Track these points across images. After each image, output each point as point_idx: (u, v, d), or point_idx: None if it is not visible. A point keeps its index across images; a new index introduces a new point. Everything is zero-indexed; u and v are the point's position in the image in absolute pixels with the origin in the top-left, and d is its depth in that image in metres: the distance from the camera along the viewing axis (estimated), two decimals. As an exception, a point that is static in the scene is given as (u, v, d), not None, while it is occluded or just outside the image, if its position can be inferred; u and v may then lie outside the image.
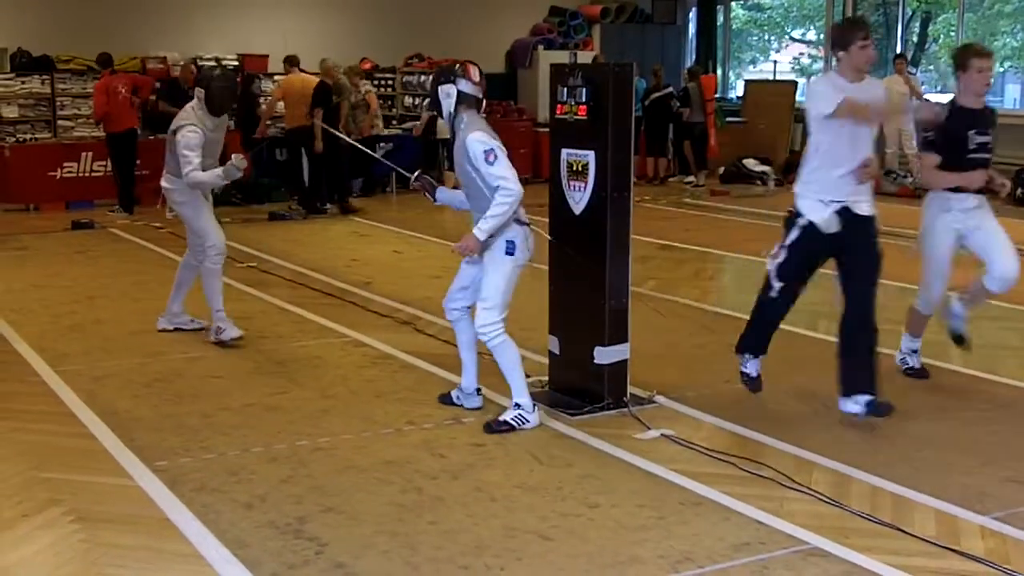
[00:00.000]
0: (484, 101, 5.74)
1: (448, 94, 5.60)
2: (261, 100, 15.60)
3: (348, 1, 18.53)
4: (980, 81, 6.01)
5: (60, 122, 15.91)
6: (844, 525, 4.43)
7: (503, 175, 5.40)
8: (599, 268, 5.78)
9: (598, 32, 20.11)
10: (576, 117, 5.82)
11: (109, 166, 14.18)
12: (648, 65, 17.63)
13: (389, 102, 18.01)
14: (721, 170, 17.41)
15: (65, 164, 14.57)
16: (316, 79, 14.26)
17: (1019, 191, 13.84)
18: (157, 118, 14.24)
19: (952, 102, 6.17)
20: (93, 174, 14.66)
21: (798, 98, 18.94)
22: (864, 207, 5.57)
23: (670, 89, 17.33)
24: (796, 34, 25.99)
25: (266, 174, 15.03)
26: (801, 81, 22.35)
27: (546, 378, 6.26)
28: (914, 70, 18.39)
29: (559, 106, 5.93)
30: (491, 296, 5.56)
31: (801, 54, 25.55)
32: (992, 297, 6.44)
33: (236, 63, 16.81)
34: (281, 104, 14.19)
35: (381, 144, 15.23)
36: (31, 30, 16.12)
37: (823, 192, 5.55)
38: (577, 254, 5.90)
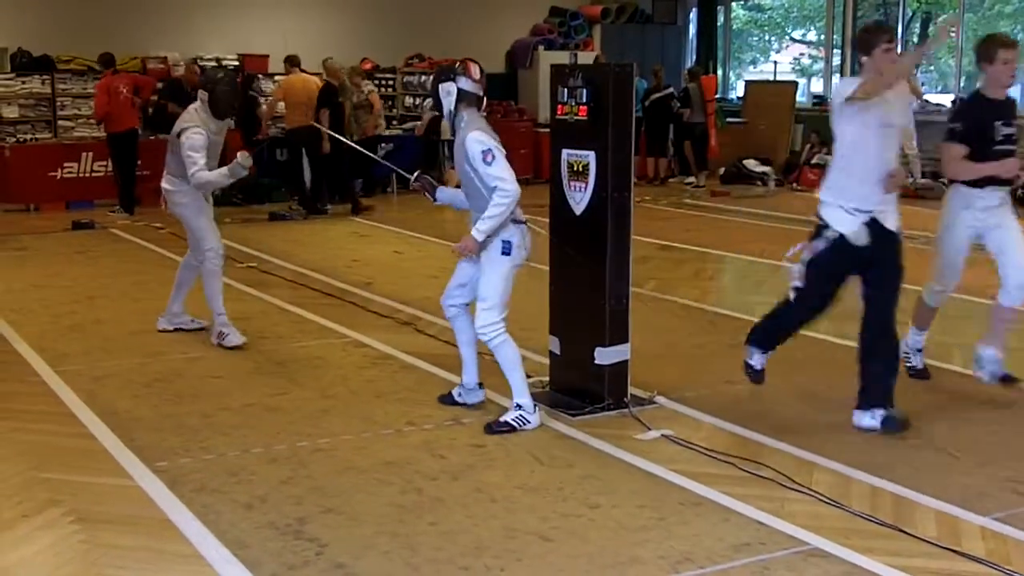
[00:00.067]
0: (485, 99, 5.74)
1: (448, 92, 5.60)
2: (261, 100, 15.61)
3: (348, 1, 18.53)
4: (1006, 72, 5.89)
5: (60, 122, 15.92)
6: (844, 526, 4.43)
7: (500, 175, 5.41)
8: (599, 268, 5.78)
9: (598, 32, 20.11)
10: (576, 117, 5.81)
11: (110, 166, 14.20)
12: (648, 65, 17.64)
13: (390, 102, 17.99)
14: (721, 171, 17.41)
15: (65, 164, 14.58)
16: (316, 79, 14.30)
17: (1019, 191, 13.81)
18: (163, 119, 14.24)
19: (976, 93, 6.06)
20: (93, 174, 14.68)
21: (798, 98, 18.98)
22: (891, 220, 5.46)
23: (670, 89, 17.34)
24: (797, 35, 25.96)
25: (266, 174, 15.04)
26: (801, 82, 22.37)
27: (547, 378, 6.26)
28: (915, 70, 18.37)
29: (559, 106, 5.93)
30: (490, 296, 5.57)
31: (801, 55, 25.52)
32: (1014, 318, 6.22)
33: (236, 63, 16.82)
34: (282, 104, 14.20)
35: (382, 144, 15.24)
36: (31, 30, 16.12)
37: (849, 200, 5.42)
38: (577, 254, 5.90)
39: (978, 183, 5.95)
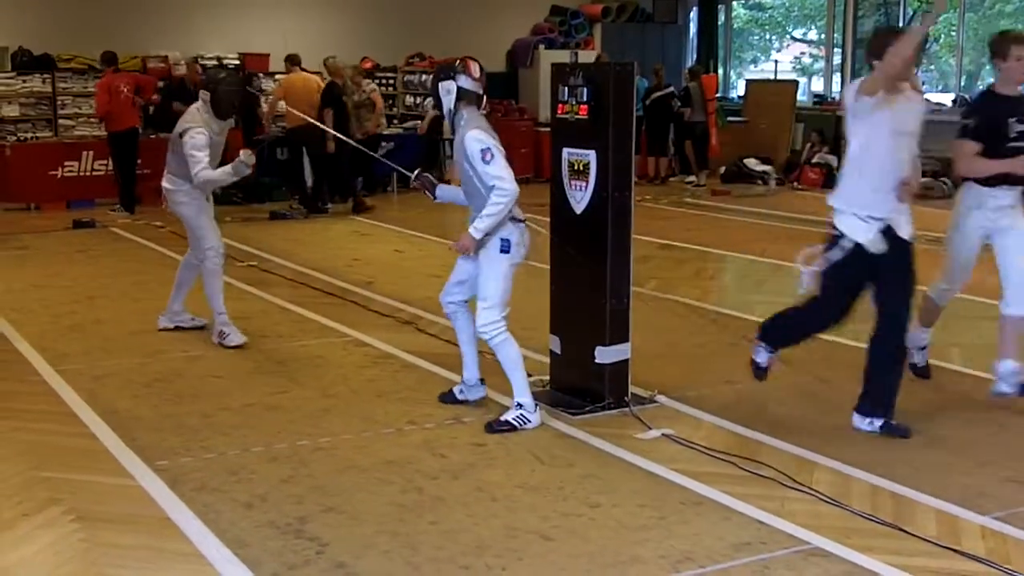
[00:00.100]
0: (485, 97, 5.75)
1: (448, 90, 5.62)
2: (261, 99, 15.61)
3: (349, 0, 18.54)
4: (1020, 69, 5.81)
5: (61, 121, 15.92)
6: (845, 525, 4.43)
7: (499, 174, 5.42)
8: (600, 267, 5.78)
9: (599, 31, 20.11)
10: (577, 117, 5.81)
11: (110, 165, 14.20)
12: (649, 64, 17.64)
13: (390, 101, 18.00)
14: (722, 170, 17.41)
15: (66, 163, 14.58)
16: (317, 78, 14.31)
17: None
18: (168, 118, 14.24)
19: (989, 90, 6.00)
20: (94, 173, 14.67)
21: (799, 98, 18.98)
22: (905, 228, 5.39)
23: (671, 89, 17.33)
24: (797, 34, 25.98)
25: (267, 173, 15.03)
26: (802, 81, 22.38)
27: (547, 377, 6.26)
28: (915, 69, 18.37)
29: (560, 105, 5.93)
30: (490, 295, 5.57)
31: (802, 53, 25.54)
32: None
33: (237, 62, 16.82)
34: (282, 103, 14.19)
35: (383, 143, 15.24)
36: (32, 29, 16.12)
37: (863, 208, 5.34)
38: (578, 253, 5.90)
39: (991, 181, 5.85)
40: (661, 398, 6.08)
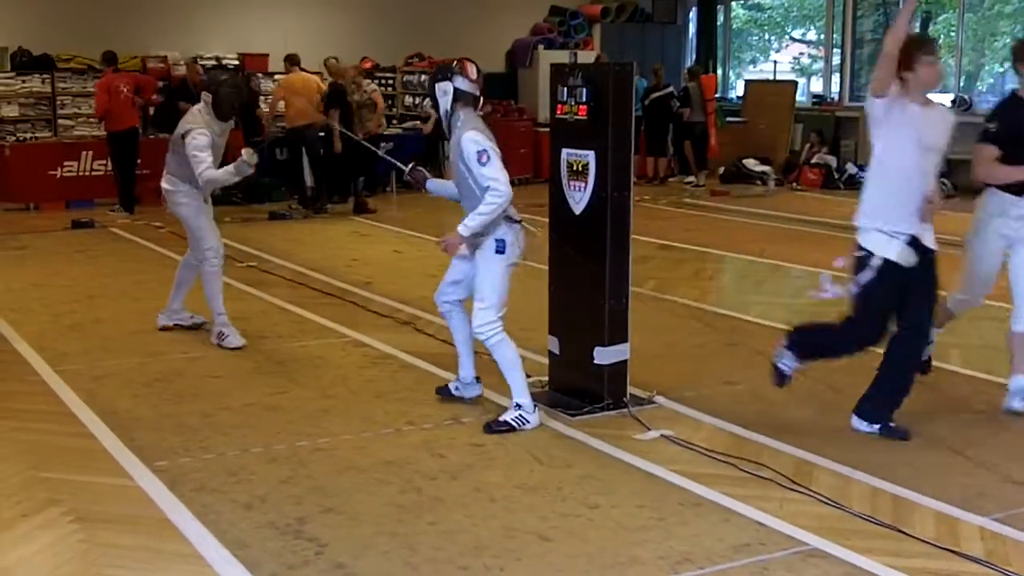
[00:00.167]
0: (481, 99, 5.75)
1: (445, 92, 5.63)
2: (261, 99, 15.61)
3: (348, 0, 18.54)
4: None
5: (60, 121, 15.91)
6: (844, 526, 4.43)
7: (494, 176, 5.44)
8: (599, 268, 5.78)
9: (598, 32, 20.12)
10: (576, 117, 5.81)
11: (109, 165, 14.19)
12: (648, 65, 17.64)
13: (390, 101, 18.00)
14: (721, 170, 17.42)
15: (65, 163, 14.58)
16: (317, 78, 14.32)
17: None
18: (174, 118, 14.23)
19: (1013, 95, 5.90)
20: (93, 173, 14.67)
21: (798, 98, 18.98)
22: (930, 239, 5.32)
23: (670, 89, 17.34)
24: (796, 34, 25.95)
25: (266, 174, 15.03)
26: (801, 81, 22.36)
27: (546, 378, 6.26)
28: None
29: (559, 106, 5.93)
30: (486, 296, 5.58)
31: (801, 54, 25.51)
32: None
33: (236, 62, 16.83)
34: (282, 103, 14.20)
35: (383, 143, 15.24)
36: (31, 29, 16.12)
37: (887, 222, 5.26)
38: (577, 254, 5.90)
39: (1014, 189, 5.72)
40: (660, 399, 6.08)
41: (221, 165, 7.27)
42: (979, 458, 5.22)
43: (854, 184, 16.20)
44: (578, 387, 5.97)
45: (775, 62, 25.46)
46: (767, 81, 22.61)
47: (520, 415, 5.60)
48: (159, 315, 7.78)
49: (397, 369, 6.79)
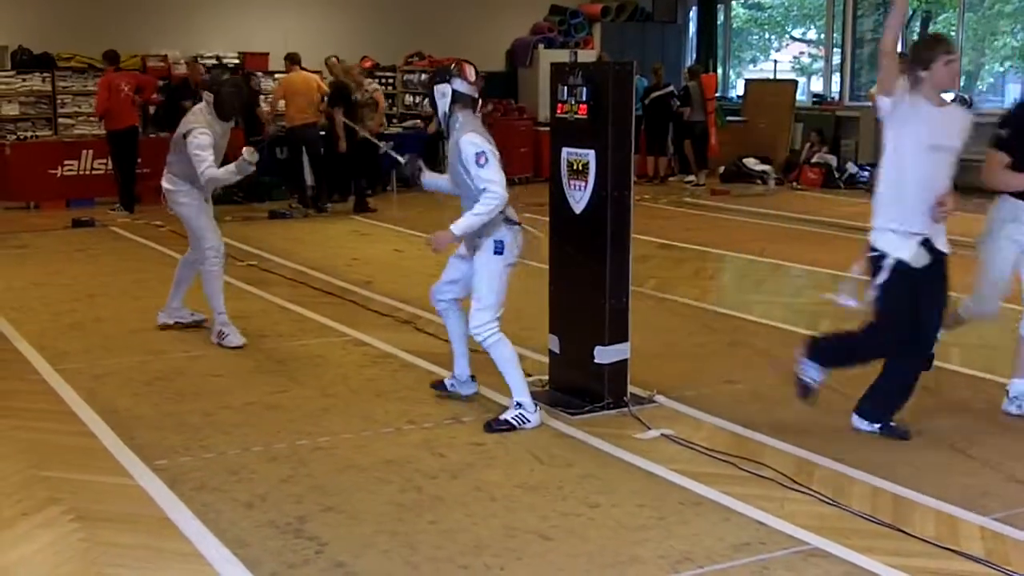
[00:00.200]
0: (479, 101, 5.77)
1: (444, 94, 5.65)
2: (261, 98, 15.61)
3: (349, -1, 18.58)
4: None
5: (61, 120, 15.94)
6: (844, 526, 4.43)
7: (491, 179, 5.45)
8: (599, 267, 5.78)
9: (598, 31, 20.12)
10: (576, 116, 5.81)
11: (110, 164, 14.19)
12: (648, 64, 17.63)
13: (390, 100, 18.02)
14: (721, 169, 17.41)
15: (66, 162, 14.57)
16: (317, 77, 14.32)
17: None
18: (179, 118, 14.23)
19: None
20: (94, 172, 14.67)
21: (798, 97, 18.98)
22: (942, 241, 5.28)
23: (670, 88, 17.33)
24: (797, 33, 25.99)
25: (266, 172, 15.04)
26: (801, 80, 22.37)
27: (546, 377, 6.26)
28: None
29: (559, 105, 5.93)
30: (484, 296, 5.60)
31: (801, 53, 25.55)
32: None
33: (237, 61, 16.84)
34: (282, 102, 14.21)
35: (383, 142, 15.24)
36: (32, 28, 16.13)
37: (901, 223, 5.20)
38: (577, 253, 5.90)
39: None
40: (660, 398, 6.08)
41: (222, 165, 7.27)
42: (979, 458, 5.22)
43: (854, 183, 16.24)
44: (578, 386, 5.97)
45: (775, 61, 25.50)
46: (767, 80, 22.63)
47: (520, 414, 5.60)
48: (159, 313, 7.79)
49: (397, 368, 6.79)
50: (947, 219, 5.25)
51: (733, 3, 22.28)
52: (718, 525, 4.44)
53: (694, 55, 20.80)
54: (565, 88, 5.88)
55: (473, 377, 6.06)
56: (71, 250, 11.23)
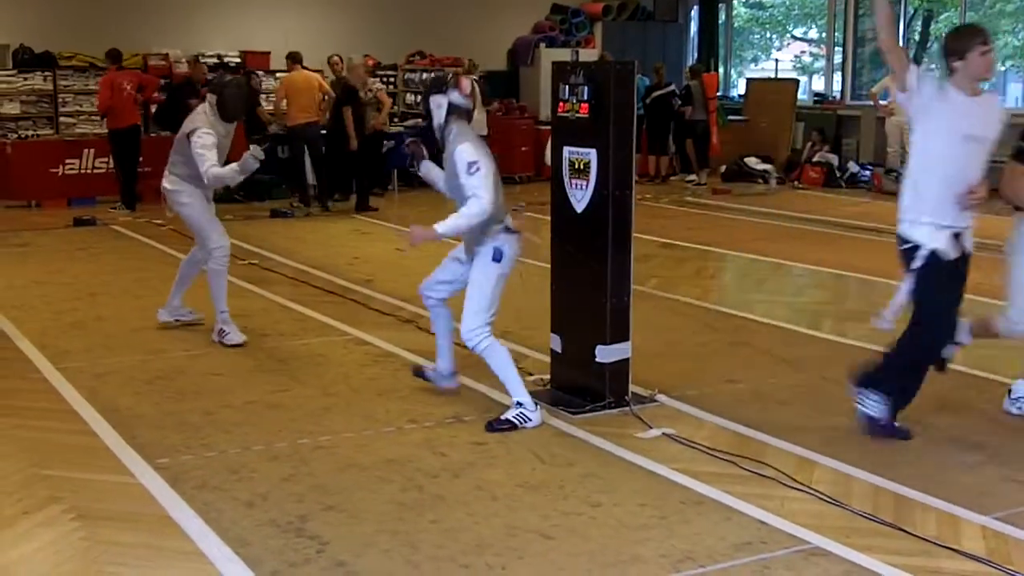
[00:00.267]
0: (473, 112, 5.87)
1: (439, 105, 5.71)
2: (262, 97, 15.61)
3: (350, -2, 18.58)
4: None
5: (62, 119, 15.94)
6: (845, 525, 4.42)
7: (478, 186, 5.49)
8: (601, 266, 5.78)
9: (600, 30, 20.10)
10: (578, 115, 5.81)
11: (111, 163, 14.20)
12: (650, 63, 17.63)
13: (390, 99, 18.00)
14: (723, 168, 17.40)
15: (67, 161, 14.57)
16: (318, 76, 14.33)
17: None
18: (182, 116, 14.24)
19: None
20: (95, 171, 14.66)
21: (800, 96, 18.97)
22: (969, 241, 5.21)
23: (672, 87, 17.32)
24: (798, 32, 25.99)
25: (267, 171, 15.03)
26: (803, 79, 22.36)
27: (548, 376, 6.26)
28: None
29: (561, 104, 5.93)
30: (476, 301, 5.64)
31: (803, 52, 25.56)
32: None
33: (238, 60, 16.84)
34: (284, 101, 14.21)
35: (385, 141, 15.26)
36: (33, 27, 16.13)
37: (932, 215, 5.10)
38: (579, 252, 5.90)
39: None
40: (662, 397, 6.08)
41: (224, 165, 7.27)
42: (981, 457, 5.22)
43: (855, 183, 16.24)
44: (580, 385, 5.97)
45: (776, 60, 25.50)
46: (769, 79, 22.62)
47: (521, 412, 5.60)
48: (159, 310, 7.78)
49: (399, 367, 6.79)
50: (977, 207, 5.17)
51: (734, 2, 22.28)
52: (719, 524, 4.44)
53: (695, 54, 20.79)
54: (567, 87, 5.88)
55: (455, 373, 6.09)
56: (72, 249, 11.23)
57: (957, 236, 5.17)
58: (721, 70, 20.67)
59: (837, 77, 19.32)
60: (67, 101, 15.96)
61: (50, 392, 6.31)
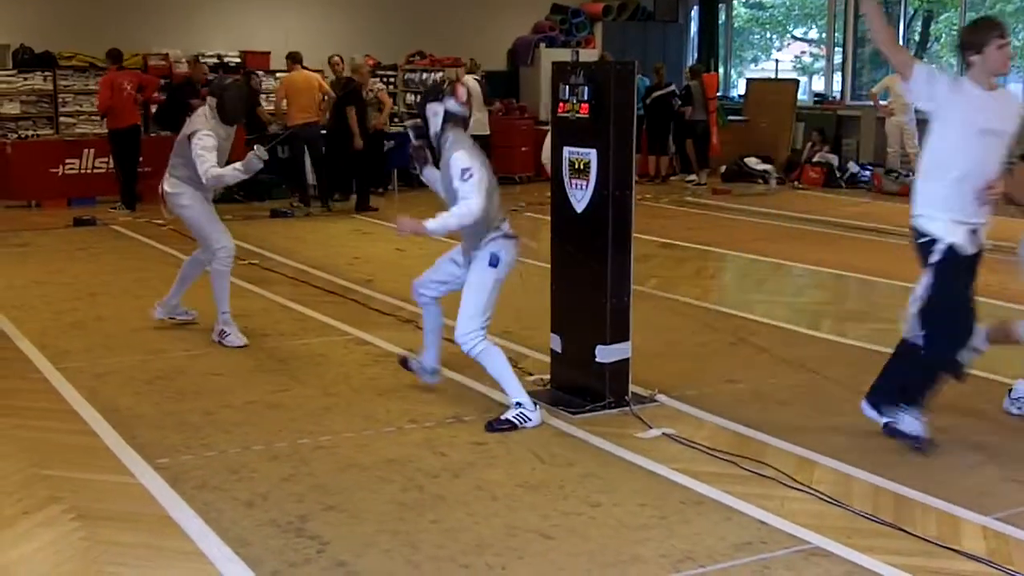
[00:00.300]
0: (469, 120, 5.89)
1: (436, 112, 5.75)
2: (262, 97, 15.61)
3: (350, -2, 18.58)
4: None
5: (62, 119, 15.94)
6: (846, 525, 4.42)
7: (470, 190, 5.53)
8: (600, 266, 5.78)
9: (600, 30, 20.11)
10: (578, 115, 5.81)
11: (111, 163, 14.19)
12: (650, 63, 17.63)
13: (391, 99, 18.00)
14: (723, 169, 17.40)
15: (67, 161, 14.56)
16: (318, 76, 14.33)
17: None
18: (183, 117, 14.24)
19: None
20: (95, 171, 14.65)
21: (800, 97, 18.97)
22: (983, 238, 5.16)
23: (672, 87, 17.32)
24: (798, 32, 25.98)
25: (267, 171, 15.01)
26: (803, 80, 22.35)
27: (548, 376, 6.26)
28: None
29: (561, 104, 5.93)
30: (472, 305, 5.66)
31: (803, 52, 25.54)
32: None
33: (238, 60, 16.83)
34: (284, 101, 14.21)
35: (386, 140, 15.26)
36: (33, 26, 16.13)
37: (948, 211, 5.03)
38: (579, 252, 5.90)
39: None
40: (662, 397, 6.08)
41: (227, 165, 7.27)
42: (982, 457, 5.22)
43: (856, 183, 16.24)
44: (580, 385, 5.97)
45: (777, 60, 25.49)
46: (769, 80, 22.61)
47: (521, 412, 5.60)
48: (156, 306, 7.74)
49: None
50: (995, 202, 5.14)
51: (734, 2, 22.27)
52: (719, 524, 4.44)
53: (695, 54, 20.79)
54: (567, 87, 5.88)
55: (437, 371, 6.16)
56: (72, 249, 11.23)
57: (974, 232, 5.13)
58: (721, 70, 20.68)
59: (837, 77, 19.32)
60: (67, 101, 15.96)
61: (50, 392, 6.31)
